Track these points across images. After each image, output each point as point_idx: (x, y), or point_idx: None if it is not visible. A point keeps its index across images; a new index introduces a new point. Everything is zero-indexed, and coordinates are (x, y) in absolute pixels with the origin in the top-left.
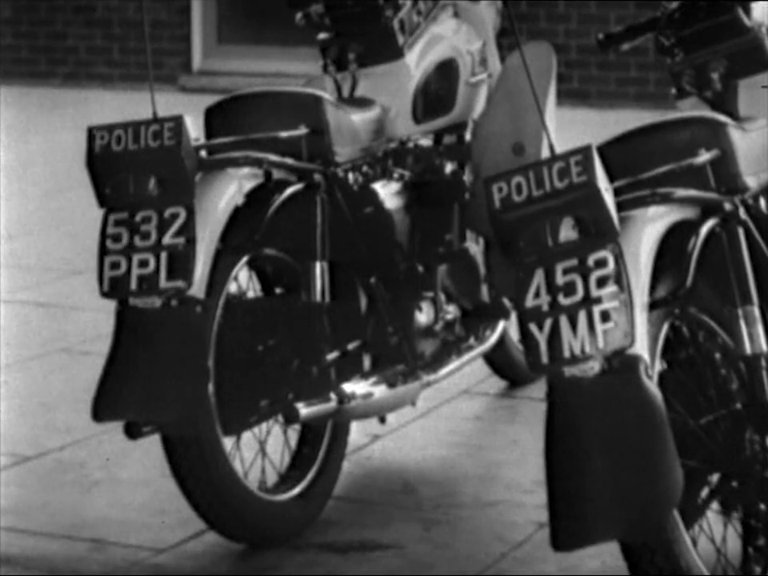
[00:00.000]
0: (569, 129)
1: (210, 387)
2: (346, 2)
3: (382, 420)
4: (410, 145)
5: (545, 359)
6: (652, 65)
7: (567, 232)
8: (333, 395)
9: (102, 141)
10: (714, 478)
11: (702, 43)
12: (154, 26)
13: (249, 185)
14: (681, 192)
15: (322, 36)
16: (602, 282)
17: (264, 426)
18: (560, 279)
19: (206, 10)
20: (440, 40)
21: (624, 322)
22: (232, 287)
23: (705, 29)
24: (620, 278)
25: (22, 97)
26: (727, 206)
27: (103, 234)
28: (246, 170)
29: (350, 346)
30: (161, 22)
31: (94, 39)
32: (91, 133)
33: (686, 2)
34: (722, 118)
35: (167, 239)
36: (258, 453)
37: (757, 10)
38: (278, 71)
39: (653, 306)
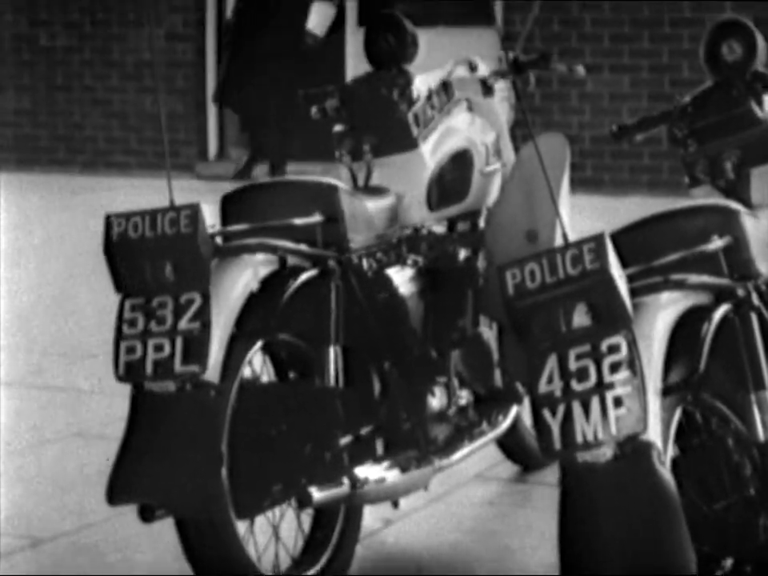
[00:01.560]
0: (582, 216)
1: (224, 471)
2: (361, 97)
3: (395, 504)
4: (424, 232)
5: (558, 445)
6: (665, 153)
7: (580, 318)
8: (346, 479)
9: (119, 228)
10: (728, 563)
11: (715, 134)
12: (171, 118)
13: (264, 271)
14: (694, 278)
15: (338, 128)
16: (615, 368)
17: (277, 509)
18: (573, 365)
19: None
20: (454, 132)
21: (637, 408)
22: (246, 372)
23: (718, 121)
24: (633, 364)
25: (41, 184)
26: (740, 292)
27: (119, 319)
28: (261, 257)
29: (363, 431)
30: (177, 114)
31: (111, 129)
32: (109, 220)
33: (698, 96)
34: (735, 205)
35: (183, 324)
36: (272, 537)
37: None
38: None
39: (666, 391)
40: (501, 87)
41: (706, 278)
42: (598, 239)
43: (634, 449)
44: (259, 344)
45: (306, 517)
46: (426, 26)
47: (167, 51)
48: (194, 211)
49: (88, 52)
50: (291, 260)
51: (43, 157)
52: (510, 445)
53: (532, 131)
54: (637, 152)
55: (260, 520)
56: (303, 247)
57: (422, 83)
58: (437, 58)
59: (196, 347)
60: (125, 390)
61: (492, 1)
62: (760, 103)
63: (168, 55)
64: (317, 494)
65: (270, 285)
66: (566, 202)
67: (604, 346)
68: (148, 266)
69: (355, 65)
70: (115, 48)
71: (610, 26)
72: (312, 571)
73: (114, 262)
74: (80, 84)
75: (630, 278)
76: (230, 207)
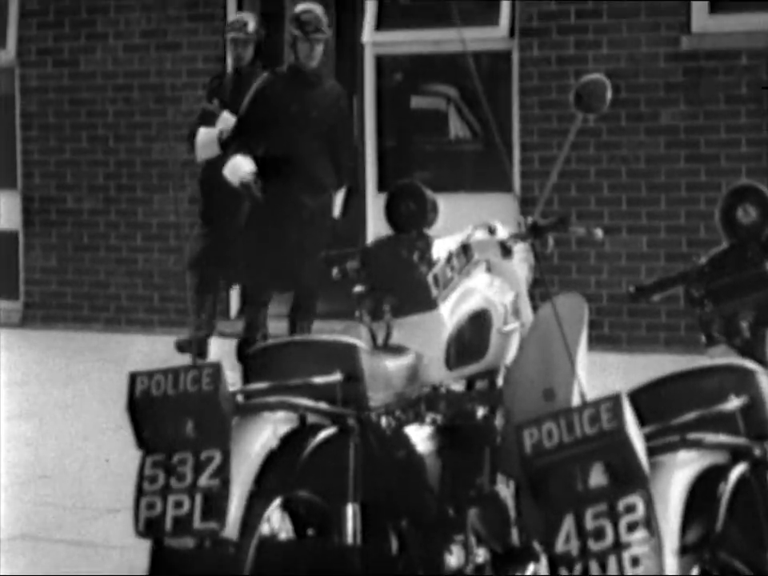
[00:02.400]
0: (599, 374)
1: None
2: (381, 259)
3: None
4: (443, 390)
5: None
6: (682, 311)
7: (597, 477)
8: None
9: (142, 386)
10: None
11: (731, 295)
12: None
13: (284, 429)
14: (710, 438)
15: (358, 289)
16: (632, 527)
17: None
18: (590, 524)
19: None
20: (473, 292)
21: (654, 567)
22: (265, 528)
23: (734, 281)
24: (650, 523)
25: (65, 341)
26: (757, 452)
27: (140, 476)
28: (281, 414)
29: None
30: None
31: (135, 288)
32: (132, 378)
33: (715, 257)
34: (751, 365)
35: (203, 481)
36: None
37: None
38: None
39: (683, 551)
40: (520, 248)
41: (722, 438)
42: (615, 399)
43: None
44: (278, 501)
45: None
46: (446, 191)
47: (190, 214)
48: (216, 369)
49: (113, 214)
50: (311, 418)
51: (68, 314)
52: None
53: (550, 291)
54: (654, 310)
55: None
56: (323, 405)
57: (442, 246)
58: (457, 223)
59: (215, 504)
60: (145, 545)
61: (510, 167)
62: None
63: (191, 217)
64: None
65: (290, 442)
66: (584, 360)
67: (621, 506)
68: (170, 422)
69: (376, 228)
70: (140, 211)
71: (627, 190)
72: None
73: (137, 420)
74: (105, 244)
75: (647, 437)
76: (252, 365)
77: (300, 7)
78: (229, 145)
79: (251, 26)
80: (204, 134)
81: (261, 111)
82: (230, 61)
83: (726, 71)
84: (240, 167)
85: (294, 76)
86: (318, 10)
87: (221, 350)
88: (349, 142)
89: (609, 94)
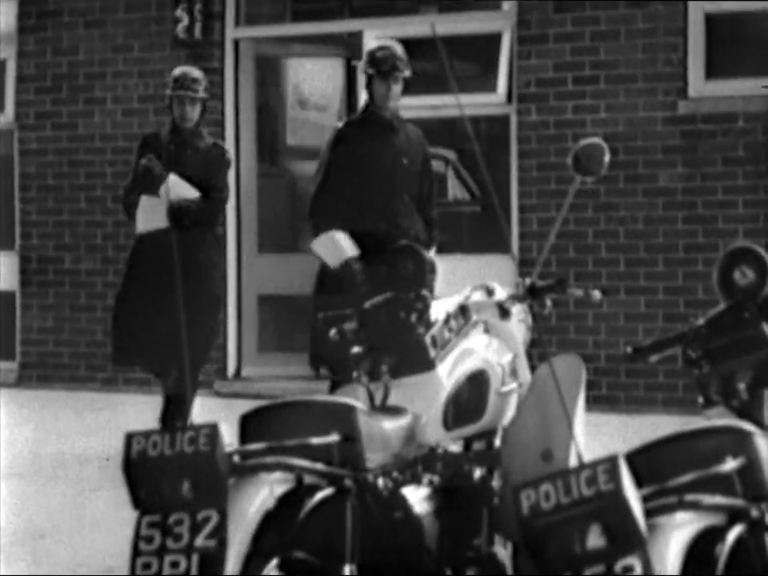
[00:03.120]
0: (597, 435)
1: None
2: (378, 320)
3: None
4: (440, 451)
5: None
6: (680, 372)
7: (595, 538)
8: None
9: (138, 446)
10: None
11: (728, 355)
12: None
13: (280, 489)
14: (707, 499)
15: (356, 350)
16: None
17: None
18: None
19: (241, 322)
20: (471, 353)
21: None
22: None
23: (731, 342)
24: None
25: (61, 400)
26: (754, 513)
27: (137, 536)
28: (278, 475)
29: None
30: None
31: None
32: (129, 438)
33: (712, 318)
34: (749, 426)
35: (199, 541)
36: None
37: None
38: (311, 376)
39: None
40: (518, 310)
41: (720, 499)
42: (612, 461)
43: None
44: (275, 562)
45: None
46: (444, 252)
47: None
48: (213, 430)
49: (111, 274)
50: (308, 478)
51: (64, 374)
52: None
53: (548, 352)
54: (652, 370)
55: None
56: (320, 466)
57: (440, 307)
58: (455, 284)
59: (212, 564)
60: None
61: (508, 229)
62: None
63: None
64: None
65: (287, 503)
66: (581, 421)
67: (618, 567)
68: (166, 483)
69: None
70: None
71: (625, 251)
72: None
73: (133, 480)
74: (102, 304)
75: (645, 499)
76: (249, 426)
77: (375, 44)
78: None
79: (202, 83)
80: (147, 202)
81: (346, 168)
82: (177, 118)
83: (722, 134)
84: (342, 248)
85: (374, 121)
86: (396, 46)
87: (217, 410)
88: (434, 192)
89: (607, 158)
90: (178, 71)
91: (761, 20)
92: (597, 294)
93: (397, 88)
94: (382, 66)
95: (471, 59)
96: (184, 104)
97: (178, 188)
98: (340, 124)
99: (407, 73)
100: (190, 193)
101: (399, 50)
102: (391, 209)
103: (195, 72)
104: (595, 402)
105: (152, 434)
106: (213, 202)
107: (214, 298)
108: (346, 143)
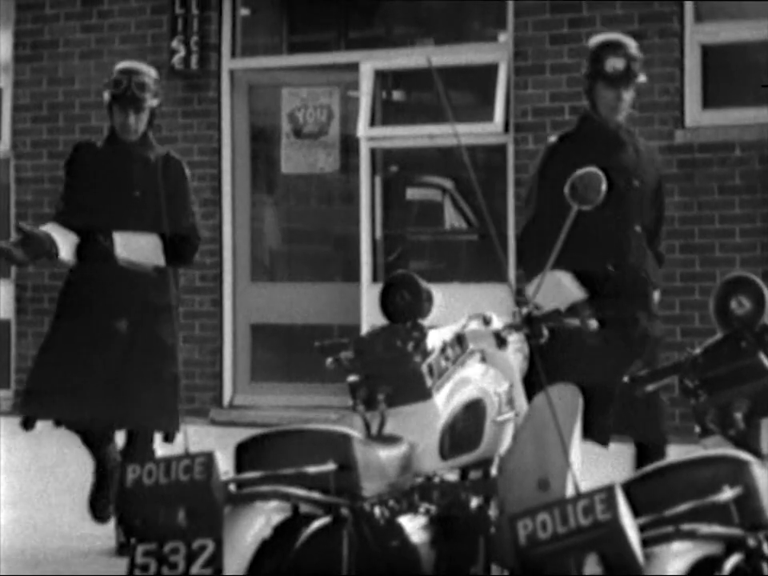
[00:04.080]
0: (594, 464)
1: None
2: (375, 349)
3: None
4: (437, 480)
5: None
6: (677, 401)
7: (592, 568)
8: None
9: (134, 474)
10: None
11: (725, 385)
12: (187, 364)
13: (276, 518)
14: (704, 528)
15: (352, 378)
16: None
17: None
18: None
19: (236, 350)
20: (467, 382)
21: None
22: None
23: (728, 372)
24: None
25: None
26: (751, 542)
27: (132, 564)
28: (273, 504)
29: None
30: (193, 361)
31: None
32: (124, 467)
33: (709, 347)
34: (745, 455)
35: (195, 570)
36: None
37: None
38: (307, 404)
39: None
40: (515, 339)
41: (716, 528)
42: (609, 490)
43: None
44: None
45: None
46: (441, 281)
47: (186, 302)
48: (208, 459)
49: None
50: (304, 507)
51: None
52: None
53: (545, 382)
54: None
55: None
56: (316, 495)
57: (437, 336)
58: (452, 313)
59: None
60: None
61: (504, 258)
62: None
63: (186, 306)
64: None
65: (283, 532)
66: (578, 450)
67: None
68: (162, 511)
69: (370, 318)
70: None
71: None
72: None
73: (127, 509)
74: None
75: (642, 528)
76: (244, 455)
77: (602, 38)
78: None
79: (151, 87)
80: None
81: (563, 194)
82: (117, 128)
83: (719, 163)
84: (568, 291)
85: (596, 134)
86: (631, 44)
87: (212, 438)
88: (663, 221)
89: (603, 187)
90: (120, 67)
91: (756, 50)
92: (593, 323)
93: (628, 96)
94: (612, 69)
95: (468, 89)
96: (126, 112)
97: (127, 251)
98: (552, 139)
99: (642, 78)
100: (145, 255)
101: (634, 48)
102: (620, 243)
103: (143, 71)
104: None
105: (147, 462)
106: (181, 255)
107: (163, 348)
108: (562, 162)
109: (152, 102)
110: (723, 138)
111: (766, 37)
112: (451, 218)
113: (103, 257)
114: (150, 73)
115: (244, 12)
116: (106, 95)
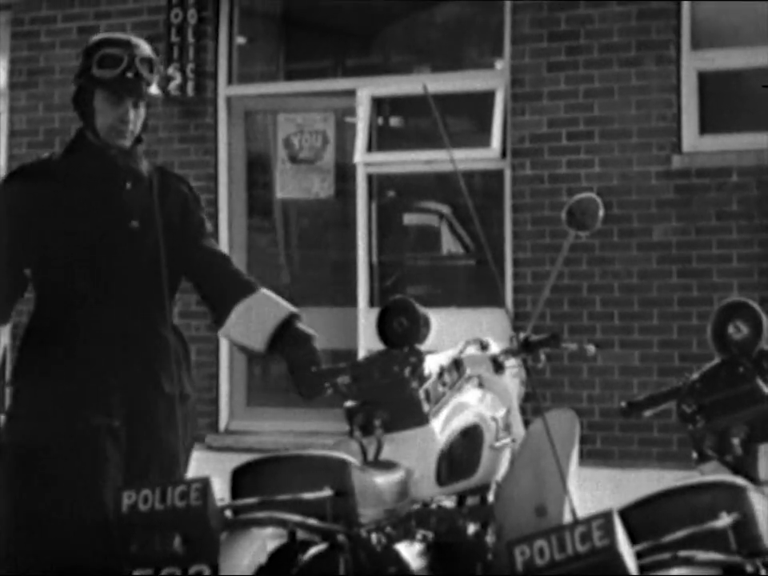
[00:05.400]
0: (591, 489)
1: None
2: (372, 374)
3: None
4: (434, 506)
5: None
6: (675, 426)
7: None
8: None
9: (129, 500)
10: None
11: (723, 410)
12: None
13: (273, 544)
14: (702, 555)
15: (349, 404)
16: None
17: None
18: None
19: (233, 375)
20: (465, 408)
21: None
22: None
23: (725, 397)
24: None
25: None
26: (749, 569)
27: None
28: (270, 530)
29: None
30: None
31: None
32: (120, 493)
33: (706, 372)
34: (743, 482)
35: None
36: None
37: None
38: (304, 430)
39: None
40: (512, 364)
41: (714, 555)
42: (606, 516)
43: None
44: None
45: None
46: (439, 306)
47: (183, 327)
48: (204, 484)
49: None
50: (301, 534)
51: None
52: None
53: (542, 407)
54: (647, 425)
55: None
56: (312, 521)
57: (434, 362)
58: (449, 338)
59: None
60: None
61: (501, 283)
62: (766, 380)
63: (182, 330)
64: None
65: (279, 558)
66: (575, 476)
67: None
68: (157, 537)
69: (367, 343)
70: None
71: (619, 305)
72: None
73: (124, 535)
74: None
75: (639, 555)
76: (240, 480)
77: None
78: None
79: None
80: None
81: None
82: (103, 130)
83: (716, 188)
84: None
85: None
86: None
87: (209, 464)
88: None
89: (600, 212)
90: (108, 38)
91: (752, 77)
92: (591, 348)
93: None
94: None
95: (465, 115)
96: (124, 104)
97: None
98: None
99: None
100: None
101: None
102: None
103: (141, 44)
104: (589, 457)
105: (143, 488)
106: None
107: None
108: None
109: (154, 90)
110: (720, 163)
111: (761, 63)
112: (448, 244)
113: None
114: (148, 48)
115: (240, 40)
116: (81, 79)
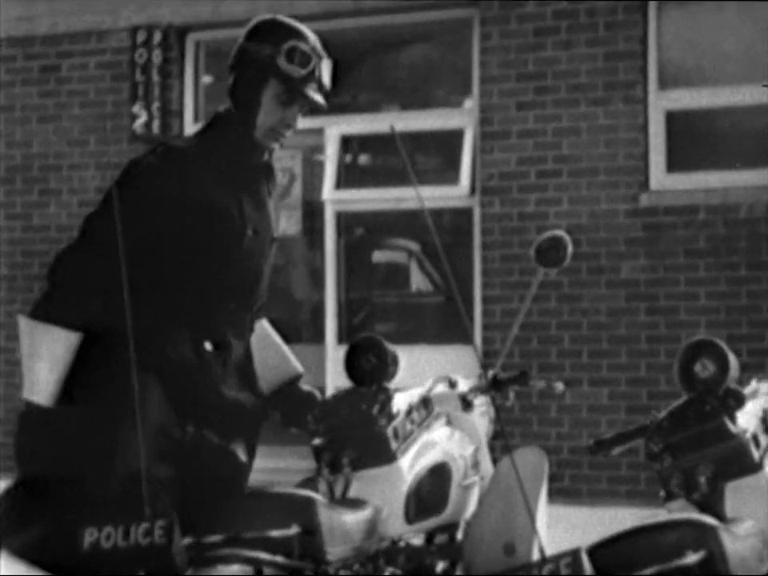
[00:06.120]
0: (560, 527)
1: None
2: (339, 412)
3: None
4: (402, 544)
5: None
6: (643, 464)
7: None
8: None
9: (91, 537)
10: None
11: (690, 449)
12: None
13: None
14: None
15: (317, 441)
16: None
17: None
18: None
19: None
20: (433, 446)
21: None
22: None
23: (692, 435)
24: None
25: None
26: None
27: None
28: (236, 568)
29: None
30: None
31: None
32: (82, 530)
33: (674, 410)
34: (710, 520)
35: None
36: None
37: (741, 417)
38: (271, 467)
39: None
40: (480, 401)
41: None
42: (574, 554)
43: None
44: None
45: None
46: (407, 343)
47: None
48: (169, 522)
49: None
50: (267, 571)
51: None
52: None
53: (510, 445)
54: (615, 463)
55: None
56: (279, 559)
57: (402, 400)
58: (418, 375)
59: None
60: None
61: (469, 321)
62: (732, 418)
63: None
64: None
65: None
66: (544, 514)
67: None
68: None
69: (335, 381)
70: None
71: (588, 342)
72: None
73: (86, 572)
74: None
75: None
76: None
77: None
78: None
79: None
80: None
81: None
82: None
83: (684, 226)
84: None
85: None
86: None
87: None
88: None
89: (569, 249)
90: (288, 26)
91: (719, 116)
92: (560, 386)
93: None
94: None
95: (435, 153)
96: (294, 106)
97: None
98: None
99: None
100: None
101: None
102: None
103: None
104: (558, 495)
105: (105, 525)
106: None
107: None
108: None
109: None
110: (688, 201)
111: (727, 103)
112: (417, 281)
113: None
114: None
115: (207, 79)
116: (257, 65)
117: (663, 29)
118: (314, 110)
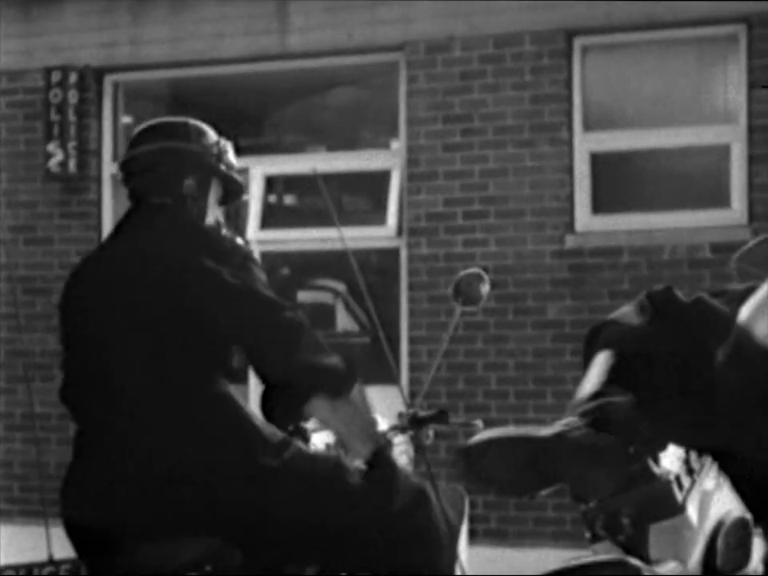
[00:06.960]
0: (487, 568)
1: None
2: None
3: None
4: None
5: None
6: (569, 505)
7: None
8: None
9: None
10: None
11: (614, 491)
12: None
13: None
14: None
15: None
16: None
17: None
18: None
19: None
20: None
21: None
22: None
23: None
24: None
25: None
26: None
27: None
28: None
29: None
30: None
31: None
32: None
33: None
34: (634, 561)
35: None
36: None
37: (665, 459)
38: None
39: None
40: (400, 440)
41: None
42: None
43: None
44: None
45: None
46: None
47: (57, 405)
48: (75, 566)
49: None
50: None
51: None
52: None
53: (434, 483)
54: (541, 504)
55: None
56: None
57: (319, 440)
58: None
59: None
60: None
61: (394, 361)
62: (656, 460)
63: (58, 408)
64: None
65: None
66: (464, 551)
67: None
68: None
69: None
70: (2, 400)
71: (514, 383)
72: None
73: None
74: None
75: None
76: None
77: None
78: None
79: None
80: None
81: None
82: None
83: (609, 267)
84: None
85: None
86: None
87: None
88: None
89: (486, 287)
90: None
91: (642, 158)
92: (480, 424)
93: None
94: None
95: (362, 194)
96: (227, 204)
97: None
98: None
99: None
100: None
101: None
102: None
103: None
104: (485, 536)
105: (6, 569)
106: None
107: None
108: None
109: None
110: (612, 242)
111: (649, 145)
112: (343, 321)
113: None
114: None
115: (126, 119)
116: (211, 164)
117: (587, 73)
118: (238, 150)
